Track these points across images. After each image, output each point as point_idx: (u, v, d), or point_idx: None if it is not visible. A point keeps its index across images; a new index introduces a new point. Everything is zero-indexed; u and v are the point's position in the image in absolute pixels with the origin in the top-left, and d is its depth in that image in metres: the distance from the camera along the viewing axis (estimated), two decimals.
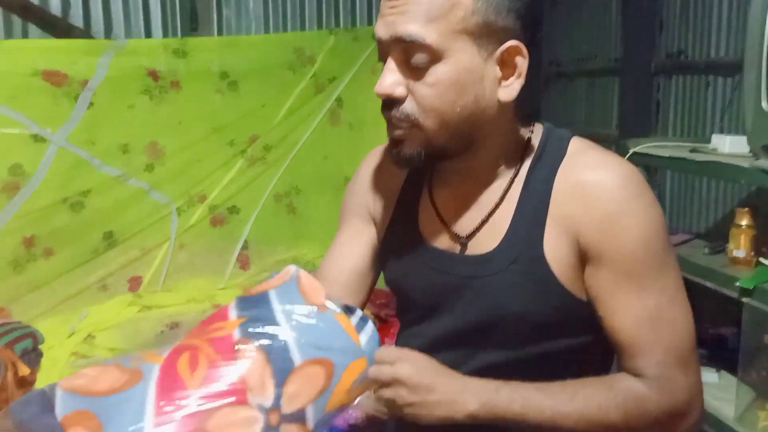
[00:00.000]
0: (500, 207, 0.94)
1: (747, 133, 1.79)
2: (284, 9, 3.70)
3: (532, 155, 0.95)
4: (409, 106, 0.88)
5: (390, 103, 0.89)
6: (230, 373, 0.77)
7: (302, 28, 3.72)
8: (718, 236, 2.14)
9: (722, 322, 2.13)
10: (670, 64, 2.94)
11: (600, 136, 3.38)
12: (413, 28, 0.85)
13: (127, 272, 2.99)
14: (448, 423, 0.85)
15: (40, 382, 2.42)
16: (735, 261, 1.86)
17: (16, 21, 3.11)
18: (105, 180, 2.87)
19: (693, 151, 2.06)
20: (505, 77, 0.89)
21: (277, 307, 0.82)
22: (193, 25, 3.57)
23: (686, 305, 0.91)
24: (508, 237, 0.92)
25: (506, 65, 0.89)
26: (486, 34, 0.86)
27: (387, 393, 0.85)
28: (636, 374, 0.88)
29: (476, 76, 0.87)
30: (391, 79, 0.88)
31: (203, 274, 3.15)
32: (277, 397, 0.77)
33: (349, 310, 0.86)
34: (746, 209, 1.88)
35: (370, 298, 1.09)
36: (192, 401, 0.75)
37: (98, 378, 0.78)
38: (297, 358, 0.79)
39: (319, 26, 3.74)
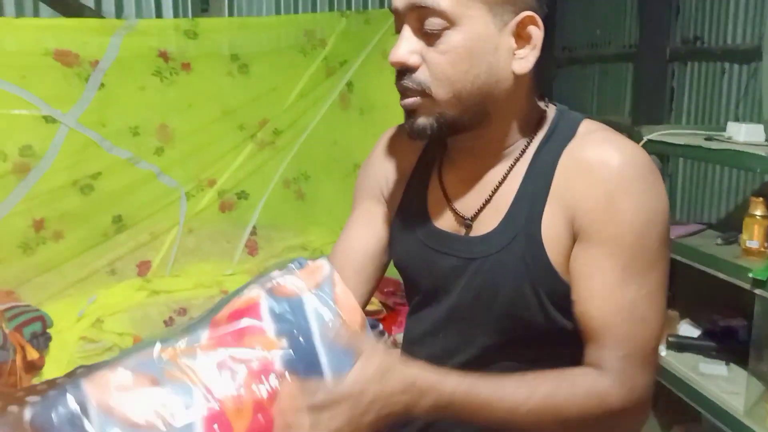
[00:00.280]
0: (504, 186, 0.93)
1: (763, 121, 1.76)
2: None
3: (542, 134, 0.94)
4: (421, 75, 0.87)
5: (403, 72, 0.88)
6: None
7: (313, 10, 3.70)
8: (731, 226, 2.11)
9: (732, 313, 2.11)
10: (685, 50, 2.90)
11: (612, 123, 3.32)
12: None
13: (136, 257, 3.00)
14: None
15: (49, 366, 2.44)
16: (748, 252, 1.84)
17: (28, 0, 3.10)
18: (115, 163, 2.87)
19: (708, 139, 2.03)
20: (520, 48, 0.88)
21: (315, 330, 0.80)
22: (203, 6, 3.56)
23: (663, 306, 0.88)
24: (508, 216, 0.91)
25: (521, 37, 0.88)
26: (501, 3, 0.86)
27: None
28: (599, 364, 0.87)
29: (490, 46, 0.86)
30: (405, 47, 0.87)
31: (211, 259, 3.16)
32: None
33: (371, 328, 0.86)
34: (761, 199, 1.86)
35: (382, 279, 1.09)
36: None
37: (133, 396, 0.74)
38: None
39: (331, 8, 3.71)
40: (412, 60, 0.87)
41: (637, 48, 3.15)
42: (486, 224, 0.93)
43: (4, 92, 2.59)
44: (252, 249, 3.27)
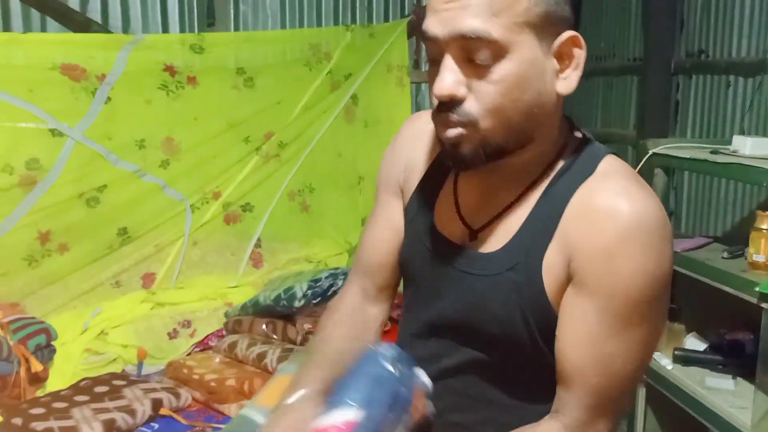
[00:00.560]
0: (515, 208, 0.92)
1: None
2: (301, 5, 3.70)
3: (562, 163, 0.91)
4: (469, 106, 0.83)
5: (448, 104, 0.84)
6: None
7: (318, 24, 3.72)
8: (737, 240, 2.11)
9: (738, 327, 2.10)
10: (690, 63, 2.90)
11: (617, 136, 3.35)
12: (476, 23, 0.80)
13: (141, 269, 2.99)
14: None
15: (53, 378, 2.43)
16: (755, 265, 1.83)
17: (35, 15, 3.13)
18: (121, 175, 2.88)
19: (713, 152, 2.03)
20: (562, 69, 0.86)
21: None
22: (209, 20, 3.58)
23: (642, 363, 0.87)
24: (513, 242, 0.90)
25: (563, 57, 0.86)
26: (547, 25, 0.83)
27: None
28: (563, 410, 0.87)
29: (539, 71, 0.84)
30: (451, 78, 0.83)
31: (216, 272, 3.15)
32: None
33: None
34: (767, 212, 1.85)
35: None
36: None
37: None
38: None
39: (336, 22, 3.73)
40: (461, 92, 0.83)
41: (641, 61, 3.16)
42: (489, 242, 0.92)
43: (11, 106, 2.60)
44: (256, 261, 3.27)
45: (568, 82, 0.87)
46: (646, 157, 2.24)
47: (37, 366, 2.34)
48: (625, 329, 0.84)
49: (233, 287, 3.14)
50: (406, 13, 3.73)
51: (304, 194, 3.39)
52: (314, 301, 2.75)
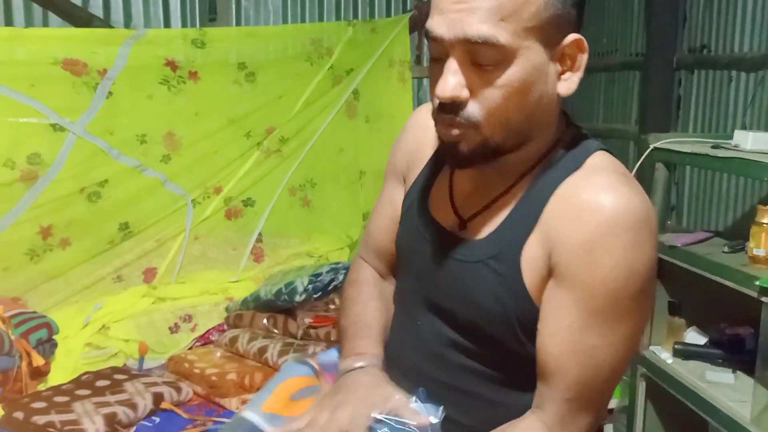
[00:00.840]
0: (503, 199, 0.93)
1: None
2: (303, 0, 3.69)
3: (552, 156, 0.92)
4: (472, 109, 0.84)
5: (450, 106, 0.85)
6: None
7: (320, 19, 3.72)
8: (738, 234, 2.11)
9: (739, 321, 2.10)
10: (692, 58, 2.90)
11: (619, 132, 3.34)
12: (485, 28, 0.80)
13: (142, 263, 3.00)
14: None
15: (54, 373, 2.44)
16: (755, 260, 1.83)
17: (37, 10, 3.13)
18: (122, 170, 2.89)
19: (715, 147, 2.03)
20: (564, 71, 0.87)
21: None
22: (211, 15, 3.57)
23: (624, 357, 0.87)
24: (498, 231, 0.91)
25: (564, 59, 0.86)
26: (554, 29, 0.83)
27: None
28: (545, 404, 0.87)
29: (542, 74, 0.84)
30: (454, 80, 0.83)
31: (217, 267, 3.16)
32: None
33: None
34: (767, 207, 1.85)
35: None
36: None
37: None
38: None
39: (338, 17, 3.73)
40: (464, 94, 0.84)
41: (643, 56, 3.15)
42: (477, 231, 0.93)
43: (12, 101, 2.61)
44: (258, 256, 3.28)
45: (569, 83, 0.87)
46: (647, 151, 2.23)
47: (38, 360, 2.35)
48: (605, 323, 0.84)
49: (234, 282, 3.14)
50: (408, 8, 3.72)
51: (305, 189, 3.39)
52: (315, 296, 2.75)
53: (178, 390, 2.30)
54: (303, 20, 3.68)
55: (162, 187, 3.00)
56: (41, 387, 2.36)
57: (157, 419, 2.17)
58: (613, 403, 2.51)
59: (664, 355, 2.15)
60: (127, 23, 3.30)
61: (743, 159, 1.85)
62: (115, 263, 2.93)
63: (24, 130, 2.67)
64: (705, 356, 2.08)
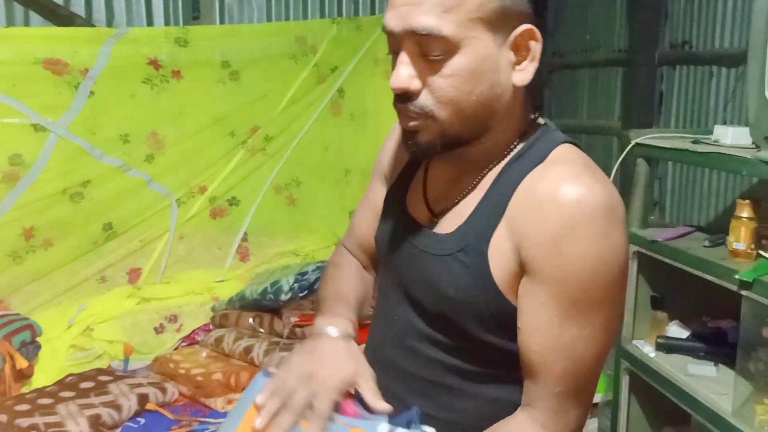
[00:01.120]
0: (472, 194, 0.94)
1: (749, 125, 1.77)
2: None
3: (518, 150, 0.93)
4: (424, 99, 0.86)
5: (404, 96, 0.87)
6: None
7: (305, 17, 3.71)
8: (719, 228, 2.12)
9: (721, 315, 2.11)
10: (674, 54, 2.91)
11: (602, 128, 3.36)
12: (428, 20, 0.82)
13: (126, 264, 2.99)
14: None
15: (38, 375, 2.43)
16: (735, 253, 1.84)
17: (18, 8, 3.10)
18: (105, 170, 2.87)
19: (695, 142, 2.04)
20: (519, 61, 0.88)
21: None
22: (194, 13, 3.56)
23: (604, 346, 0.88)
24: (465, 225, 0.92)
25: (519, 49, 0.87)
26: (501, 20, 0.85)
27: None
28: (534, 401, 0.88)
29: (492, 64, 0.86)
30: (405, 72, 0.86)
31: (202, 266, 3.16)
32: None
33: None
34: (747, 201, 1.86)
35: None
36: None
37: None
38: None
39: (322, 15, 3.72)
40: (414, 85, 0.86)
41: (626, 53, 3.17)
42: (447, 225, 0.95)
43: None
44: (243, 255, 3.27)
45: (524, 73, 0.88)
46: (629, 147, 2.24)
47: (22, 363, 2.34)
48: (582, 314, 0.84)
49: (220, 281, 3.14)
50: None
51: (290, 188, 3.39)
52: (301, 295, 2.75)
53: (164, 391, 2.29)
54: (287, 18, 3.67)
55: (146, 187, 2.99)
56: (25, 389, 2.35)
57: (142, 420, 2.17)
58: (597, 398, 2.53)
59: (647, 349, 2.16)
60: (110, 22, 3.29)
61: (722, 154, 1.86)
62: (98, 264, 2.91)
63: (5, 131, 2.66)
64: (687, 350, 2.10)
